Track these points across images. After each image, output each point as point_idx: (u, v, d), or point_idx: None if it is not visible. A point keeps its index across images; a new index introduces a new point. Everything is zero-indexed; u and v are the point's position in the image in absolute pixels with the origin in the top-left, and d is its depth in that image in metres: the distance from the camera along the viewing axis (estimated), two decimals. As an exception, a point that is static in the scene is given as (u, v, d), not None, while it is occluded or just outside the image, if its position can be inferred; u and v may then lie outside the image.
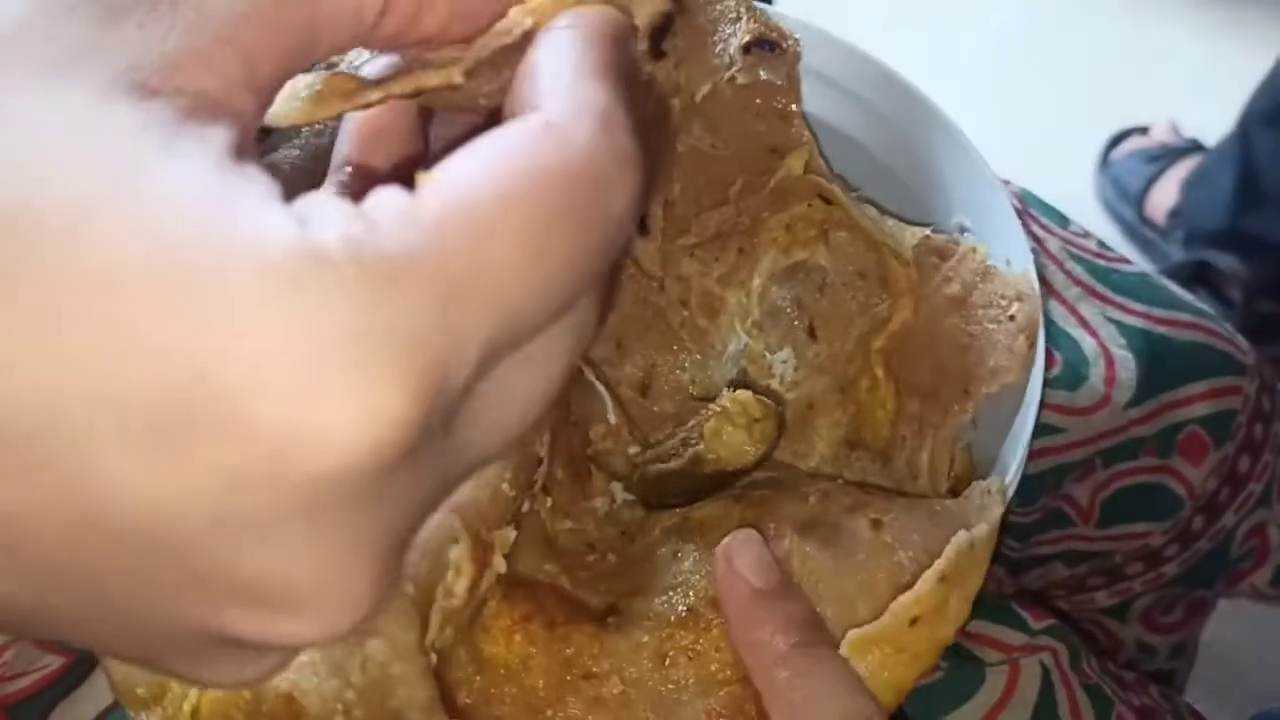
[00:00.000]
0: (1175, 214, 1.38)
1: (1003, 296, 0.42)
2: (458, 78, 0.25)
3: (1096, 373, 0.51)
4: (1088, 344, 0.51)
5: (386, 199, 0.19)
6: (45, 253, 0.17)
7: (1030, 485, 0.51)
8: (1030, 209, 0.55)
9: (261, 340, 0.17)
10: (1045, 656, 0.44)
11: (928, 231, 0.44)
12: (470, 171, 0.20)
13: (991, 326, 0.42)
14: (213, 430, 0.17)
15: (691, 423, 0.43)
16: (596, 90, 0.22)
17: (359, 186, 0.27)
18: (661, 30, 0.43)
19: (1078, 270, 0.54)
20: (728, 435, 0.42)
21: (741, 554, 0.36)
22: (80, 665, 0.40)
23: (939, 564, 0.35)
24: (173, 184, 0.18)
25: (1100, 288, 0.53)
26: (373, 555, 0.19)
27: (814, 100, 0.47)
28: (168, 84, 0.19)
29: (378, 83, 0.25)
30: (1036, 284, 0.42)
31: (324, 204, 0.19)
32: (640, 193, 0.22)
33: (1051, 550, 0.54)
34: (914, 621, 0.34)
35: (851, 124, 0.47)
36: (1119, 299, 0.53)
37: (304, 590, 0.19)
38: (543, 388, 0.22)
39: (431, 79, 0.25)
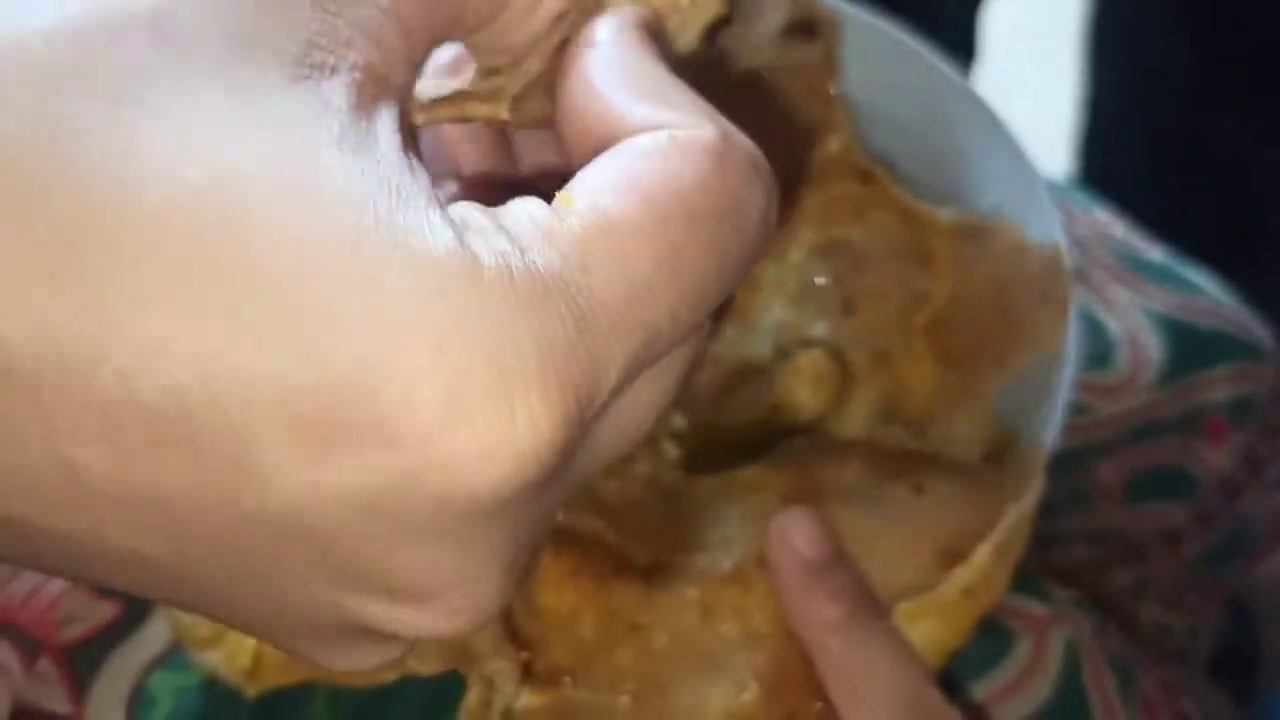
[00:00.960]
0: None
1: (1036, 272, 0.43)
2: (504, 114, 0.25)
3: (1122, 355, 0.52)
4: (1113, 326, 0.52)
5: (531, 215, 0.20)
6: (221, 240, 0.17)
7: (1054, 464, 0.52)
8: (1057, 191, 0.56)
9: (414, 351, 0.17)
10: (1069, 627, 0.45)
11: (962, 211, 0.45)
12: (607, 192, 0.20)
13: (1025, 301, 0.43)
14: (361, 434, 0.18)
15: (760, 378, 0.44)
16: (692, 98, 0.22)
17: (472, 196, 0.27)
18: (714, 30, 0.44)
19: (1104, 254, 0.55)
20: (797, 391, 0.43)
21: (796, 528, 0.37)
22: (134, 613, 0.41)
23: (995, 536, 0.36)
24: (345, 180, 0.18)
25: (1126, 272, 0.54)
26: (504, 563, 0.20)
27: (847, 78, 0.47)
28: (343, 60, 0.20)
29: (424, 105, 0.26)
30: (1069, 259, 0.43)
31: (476, 215, 0.19)
32: (774, 195, 0.22)
33: (1074, 528, 0.55)
34: (967, 592, 0.36)
35: (884, 102, 0.48)
36: (1145, 283, 0.54)
37: (435, 592, 0.20)
38: (663, 398, 0.23)
39: (479, 110, 0.25)
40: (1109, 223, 0.57)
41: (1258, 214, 0.86)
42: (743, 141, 0.22)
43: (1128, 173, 0.90)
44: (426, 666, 0.33)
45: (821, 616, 0.36)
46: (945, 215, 0.46)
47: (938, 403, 0.44)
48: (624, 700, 0.35)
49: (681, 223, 0.20)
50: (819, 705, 0.35)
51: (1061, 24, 0.95)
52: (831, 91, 0.47)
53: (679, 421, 0.44)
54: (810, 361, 0.43)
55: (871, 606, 0.37)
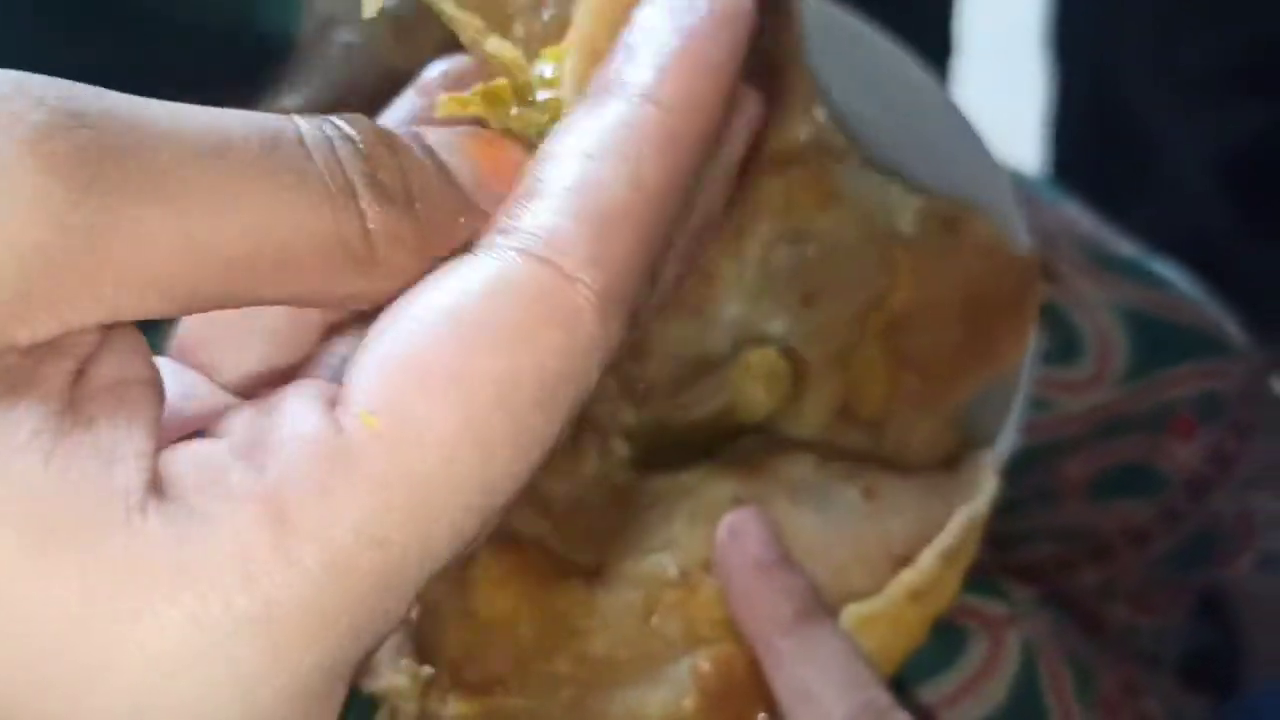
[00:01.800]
0: None
1: (1006, 278, 0.43)
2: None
3: (1089, 350, 0.51)
4: (1081, 322, 0.52)
5: (300, 457, 0.17)
6: None
7: (1019, 461, 0.51)
8: (1026, 185, 0.56)
9: None
10: (1028, 627, 0.45)
11: (935, 199, 0.44)
12: (416, 399, 0.17)
13: (994, 310, 0.43)
14: None
15: (713, 376, 0.43)
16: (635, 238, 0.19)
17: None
18: None
19: (1072, 248, 0.54)
20: (749, 389, 0.42)
21: (744, 528, 0.37)
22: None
23: (942, 541, 0.35)
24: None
25: (1094, 266, 0.54)
26: None
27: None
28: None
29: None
30: (1037, 263, 0.43)
31: (216, 492, 0.17)
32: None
33: (1039, 525, 0.54)
34: (914, 597, 0.35)
35: (848, 96, 0.47)
36: (1112, 278, 0.53)
37: None
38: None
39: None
40: (1077, 217, 0.56)
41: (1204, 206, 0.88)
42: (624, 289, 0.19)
43: (1091, 166, 0.92)
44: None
45: (770, 615, 0.36)
46: (912, 203, 0.45)
47: (896, 407, 0.44)
48: (559, 708, 0.34)
49: (507, 413, 0.18)
50: (762, 715, 0.35)
51: (1038, 18, 0.96)
52: (797, 68, 0.45)
53: (629, 417, 0.43)
54: (761, 359, 0.42)
55: (820, 607, 0.36)
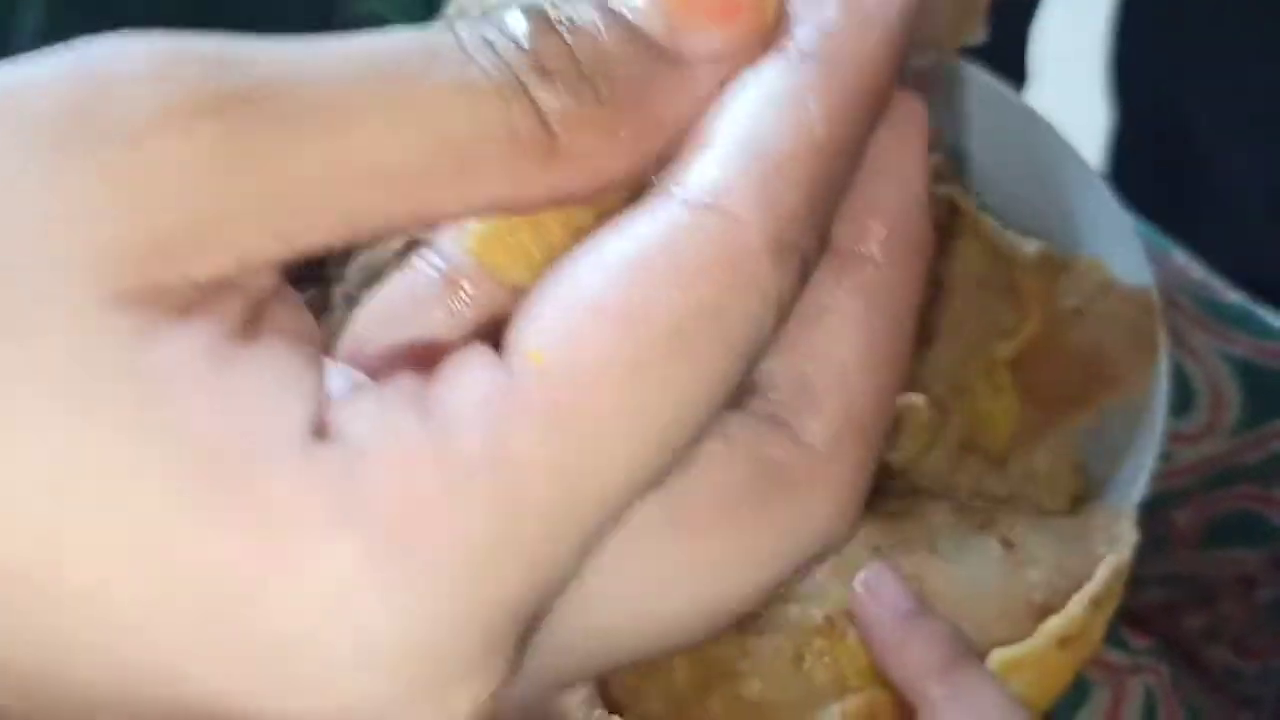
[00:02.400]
0: None
1: (1123, 310, 0.43)
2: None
3: (1202, 401, 0.52)
4: (1195, 373, 0.52)
5: (469, 399, 0.17)
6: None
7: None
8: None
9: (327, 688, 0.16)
10: (1149, 677, 0.45)
11: (1046, 246, 0.45)
12: (587, 333, 0.17)
13: (1111, 340, 0.43)
14: None
15: None
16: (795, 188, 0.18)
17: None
18: None
19: (1183, 297, 0.55)
20: (897, 441, 0.43)
21: (879, 583, 0.37)
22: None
23: (1092, 588, 0.36)
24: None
25: (1206, 317, 0.54)
26: None
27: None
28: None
29: None
30: (1156, 297, 0.43)
31: (382, 433, 0.16)
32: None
33: (1150, 573, 0.55)
34: (1062, 643, 0.36)
35: (970, 141, 0.48)
36: (1224, 328, 0.54)
37: None
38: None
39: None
40: (1186, 265, 0.56)
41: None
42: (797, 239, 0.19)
43: (1151, 193, 0.94)
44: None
45: (920, 663, 0.36)
46: (1029, 249, 0.45)
47: (1019, 438, 0.44)
48: None
49: (680, 357, 0.17)
50: None
51: (1102, 46, 0.97)
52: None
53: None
54: (912, 410, 0.43)
55: (968, 652, 0.37)
